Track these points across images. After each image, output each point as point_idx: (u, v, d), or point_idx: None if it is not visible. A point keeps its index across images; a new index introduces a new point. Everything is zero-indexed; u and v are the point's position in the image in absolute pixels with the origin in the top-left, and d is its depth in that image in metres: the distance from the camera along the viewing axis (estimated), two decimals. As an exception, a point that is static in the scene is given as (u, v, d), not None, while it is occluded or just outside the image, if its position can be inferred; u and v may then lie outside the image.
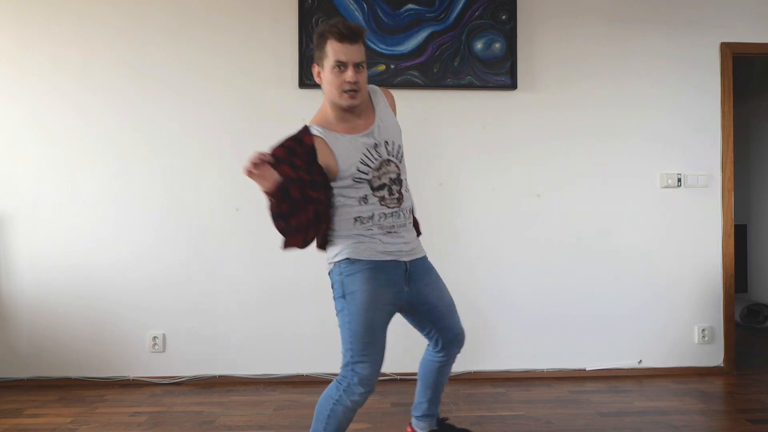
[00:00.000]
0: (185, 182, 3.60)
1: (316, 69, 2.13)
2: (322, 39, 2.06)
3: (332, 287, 2.19)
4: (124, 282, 3.58)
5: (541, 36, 3.70)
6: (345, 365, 2.10)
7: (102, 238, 3.57)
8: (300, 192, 2.02)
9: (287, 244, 2.11)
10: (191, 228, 3.60)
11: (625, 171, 3.72)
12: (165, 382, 3.57)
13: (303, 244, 2.12)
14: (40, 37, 3.57)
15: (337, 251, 2.16)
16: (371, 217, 2.13)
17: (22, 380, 3.56)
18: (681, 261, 3.74)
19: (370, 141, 2.15)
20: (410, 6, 3.61)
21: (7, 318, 3.56)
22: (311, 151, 2.07)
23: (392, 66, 3.59)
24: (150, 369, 3.58)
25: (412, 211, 2.28)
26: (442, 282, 2.32)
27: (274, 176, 1.95)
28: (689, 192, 3.74)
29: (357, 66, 2.05)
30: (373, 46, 3.58)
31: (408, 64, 3.60)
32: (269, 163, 1.94)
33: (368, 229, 2.13)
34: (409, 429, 2.56)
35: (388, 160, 2.17)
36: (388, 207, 2.15)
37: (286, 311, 3.61)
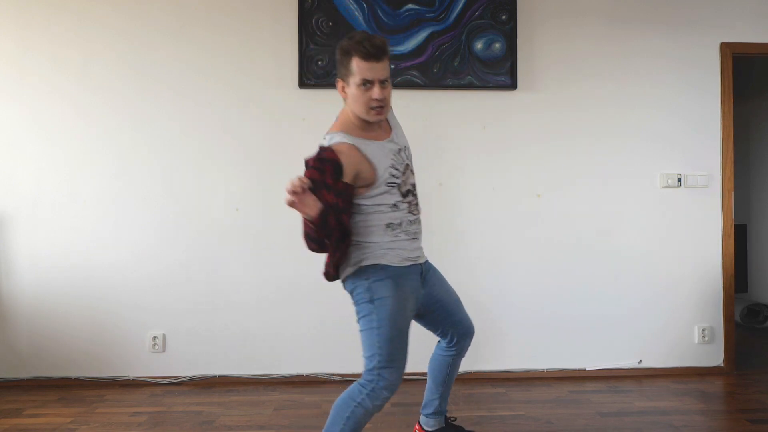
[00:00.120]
0: (185, 182, 3.60)
1: (340, 84, 2.12)
2: (347, 56, 2.05)
3: (353, 292, 2.16)
4: (124, 282, 3.58)
5: (541, 36, 3.70)
6: (371, 369, 2.10)
7: (102, 238, 3.58)
8: (336, 217, 2.01)
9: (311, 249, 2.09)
10: (191, 228, 3.60)
11: (625, 171, 3.72)
12: (165, 382, 3.57)
13: (331, 261, 2.14)
14: (40, 37, 3.57)
15: (363, 256, 2.12)
16: (400, 224, 2.16)
17: (22, 380, 3.56)
18: (681, 261, 3.74)
19: (395, 146, 2.19)
20: (410, 6, 3.61)
21: (7, 318, 3.56)
22: (337, 167, 2.03)
23: (392, 66, 3.59)
24: (150, 369, 3.58)
25: None
26: (445, 278, 2.38)
27: (316, 204, 1.92)
28: (689, 192, 3.74)
29: (382, 83, 2.05)
30: (373, 46, 3.58)
31: (408, 64, 3.60)
32: (309, 189, 1.91)
33: (397, 236, 2.15)
34: (417, 427, 2.57)
35: (407, 165, 2.22)
36: (413, 213, 2.21)
37: (286, 311, 3.61)
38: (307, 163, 2.06)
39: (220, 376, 3.60)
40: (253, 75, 3.62)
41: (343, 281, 2.19)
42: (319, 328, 3.61)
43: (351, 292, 2.17)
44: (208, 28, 3.61)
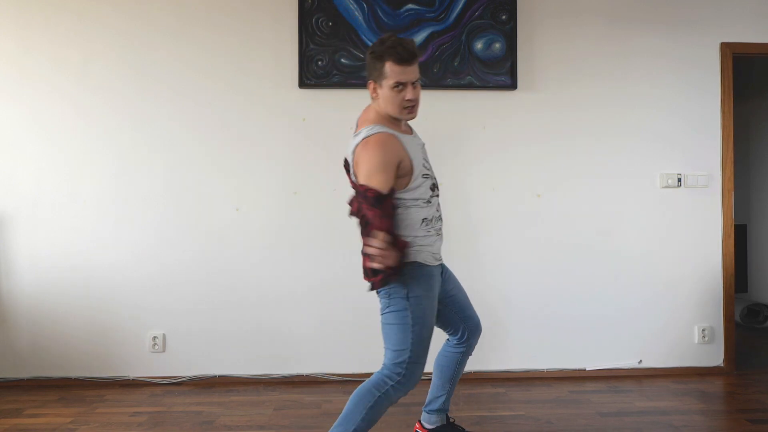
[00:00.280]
0: (185, 182, 3.60)
1: (372, 85, 2.22)
2: (380, 60, 2.14)
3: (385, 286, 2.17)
4: (124, 282, 3.58)
5: (541, 36, 3.70)
6: (399, 363, 2.15)
7: (102, 238, 3.58)
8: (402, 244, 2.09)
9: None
10: (191, 228, 3.60)
11: (625, 171, 3.72)
12: (165, 382, 3.57)
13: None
14: (40, 37, 3.57)
15: None
16: (431, 220, 2.24)
17: (22, 380, 3.56)
18: (681, 261, 3.74)
19: (420, 142, 2.32)
20: (410, 6, 3.61)
21: (7, 318, 3.56)
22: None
23: (392, 66, 3.59)
24: (150, 369, 3.58)
25: None
26: (454, 274, 2.46)
27: (395, 255, 2.00)
28: (689, 192, 3.74)
29: (414, 84, 2.17)
30: (373, 46, 3.58)
31: (408, 64, 3.60)
32: (390, 243, 1.99)
33: (428, 232, 2.22)
34: (417, 425, 2.58)
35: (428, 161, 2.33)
36: (437, 210, 2.30)
37: (286, 311, 3.61)
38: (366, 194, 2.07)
39: (220, 376, 3.60)
40: (253, 75, 3.62)
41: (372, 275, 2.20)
42: (320, 328, 3.61)
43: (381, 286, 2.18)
44: (208, 28, 3.61)
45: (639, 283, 3.72)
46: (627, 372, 3.70)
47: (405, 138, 2.21)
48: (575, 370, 3.69)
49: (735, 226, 3.84)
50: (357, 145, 2.18)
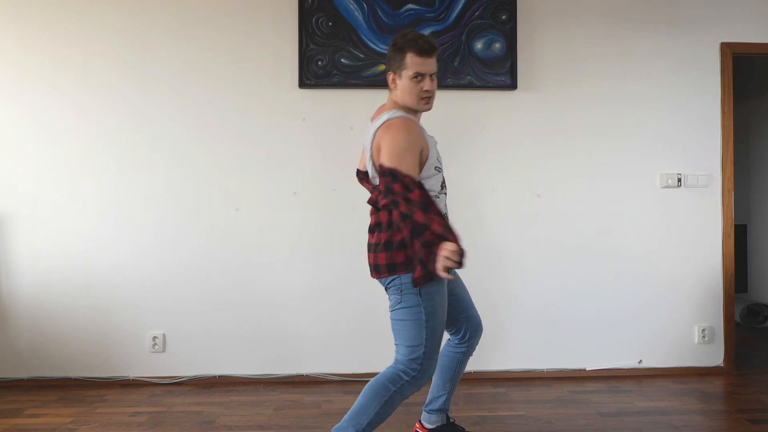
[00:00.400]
0: (185, 182, 3.60)
1: (391, 76, 2.27)
2: (402, 52, 2.21)
3: (395, 281, 2.17)
4: (124, 282, 3.58)
5: (541, 36, 3.70)
6: (414, 359, 2.15)
7: (102, 238, 3.58)
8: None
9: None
10: (191, 228, 3.60)
11: (625, 171, 3.73)
12: (165, 382, 3.57)
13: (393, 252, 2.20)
14: (40, 37, 3.57)
15: None
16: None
17: (22, 380, 3.56)
18: (681, 261, 3.74)
19: (434, 137, 2.35)
20: (410, 6, 3.61)
21: (7, 318, 3.56)
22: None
23: (392, 66, 3.59)
24: (150, 369, 3.58)
25: None
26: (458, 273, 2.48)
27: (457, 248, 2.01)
28: (689, 192, 3.74)
29: (432, 76, 2.24)
30: (372, 46, 3.58)
31: (408, 64, 3.60)
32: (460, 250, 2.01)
33: None
34: (417, 425, 2.58)
35: None
36: (445, 207, 2.32)
37: (286, 311, 3.61)
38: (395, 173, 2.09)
39: (220, 376, 3.61)
40: (253, 75, 3.62)
41: (384, 277, 2.20)
42: (320, 328, 3.61)
43: (391, 281, 2.18)
44: (208, 28, 3.61)
45: (639, 283, 3.72)
46: (627, 372, 3.71)
47: (422, 128, 2.26)
48: (575, 370, 3.69)
49: (735, 226, 3.85)
50: (378, 128, 2.19)
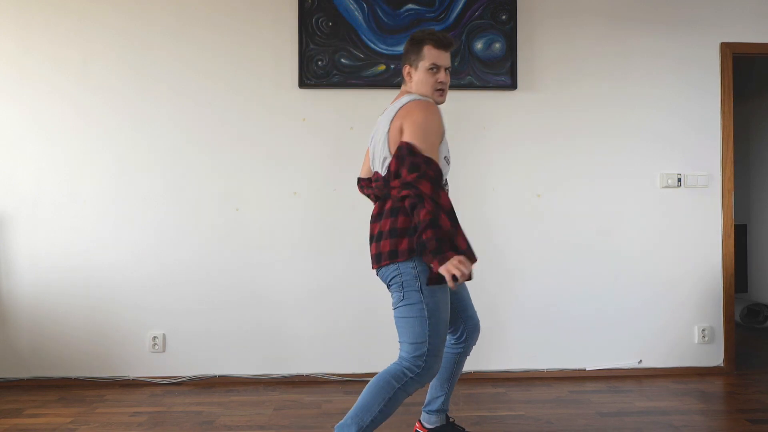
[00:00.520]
0: (185, 182, 3.60)
1: (407, 69, 2.32)
2: (420, 44, 2.27)
3: (397, 277, 2.17)
4: (124, 282, 3.58)
5: (541, 36, 3.70)
6: (418, 356, 2.15)
7: (102, 238, 3.58)
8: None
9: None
10: (191, 228, 3.60)
11: (625, 171, 3.73)
12: (165, 382, 3.57)
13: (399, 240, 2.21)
14: (40, 37, 3.57)
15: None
16: None
17: (22, 380, 3.56)
18: (681, 261, 3.74)
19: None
20: (410, 6, 3.61)
21: (7, 318, 3.56)
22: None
23: (392, 66, 3.59)
24: (150, 369, 3.58)
25: None
26: None
27: (470, 266, 2.05)
28: (689, 192, 3.74)
29: (447, 70, 2.30)
30: (373, 46, 3.58)
31: (408, 64, 3.60)
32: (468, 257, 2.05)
33: None
34: (417, 425, 2.58)
35: None
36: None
37: (286, 311, 3.61)
38: (414, 164, 2.10)
39: (220, 376, 3.61)
40: (253, 75, 3.62)
41: (385, 266, 2.19)
42: (320, 328, 3.61)
43: (393, 278, 2.18)
44: (208, 28, 3.61)
45: (639, 283, 3.72)
46: (627, 372, 3.71)
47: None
48: (575, 370, 3.69)
49: (735, 226, 3.85)
50: (399, 109, 2.21)
